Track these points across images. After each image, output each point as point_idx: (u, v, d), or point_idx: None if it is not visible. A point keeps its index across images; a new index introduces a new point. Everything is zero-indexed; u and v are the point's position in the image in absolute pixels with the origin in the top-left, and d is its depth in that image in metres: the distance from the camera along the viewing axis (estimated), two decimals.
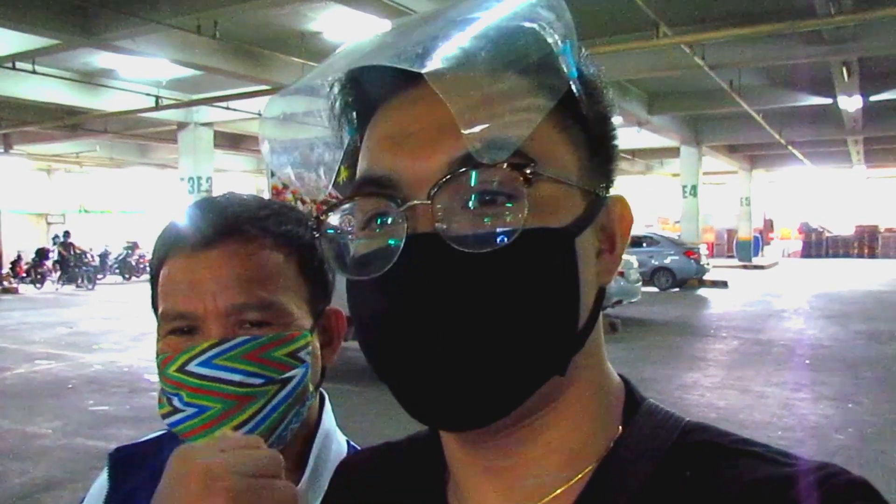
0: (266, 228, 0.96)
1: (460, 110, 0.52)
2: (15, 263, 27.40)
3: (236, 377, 0.90)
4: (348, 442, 1.08)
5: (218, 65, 13.39)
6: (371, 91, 0.62)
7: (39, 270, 26.63)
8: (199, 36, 11.30)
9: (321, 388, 1.07)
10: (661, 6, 10.16)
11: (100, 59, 14.73)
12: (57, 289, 26.03)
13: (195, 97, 17.21)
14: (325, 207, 0.62)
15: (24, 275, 26.87)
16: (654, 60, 13.45)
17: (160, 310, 0.95)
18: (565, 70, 0.56)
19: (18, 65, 13.57)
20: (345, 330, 1.07)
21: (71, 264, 26.83)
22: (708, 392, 8.53)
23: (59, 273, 26.97)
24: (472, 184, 0.55)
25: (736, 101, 16.67)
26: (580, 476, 0.60)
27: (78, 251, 27.47)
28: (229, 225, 0.94)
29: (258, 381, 0.91)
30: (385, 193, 0.57)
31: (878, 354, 10.80)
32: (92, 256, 28.70)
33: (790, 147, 25.05)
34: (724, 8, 11.63)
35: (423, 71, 0.52)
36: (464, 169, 0.55)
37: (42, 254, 27.24)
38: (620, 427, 0.63)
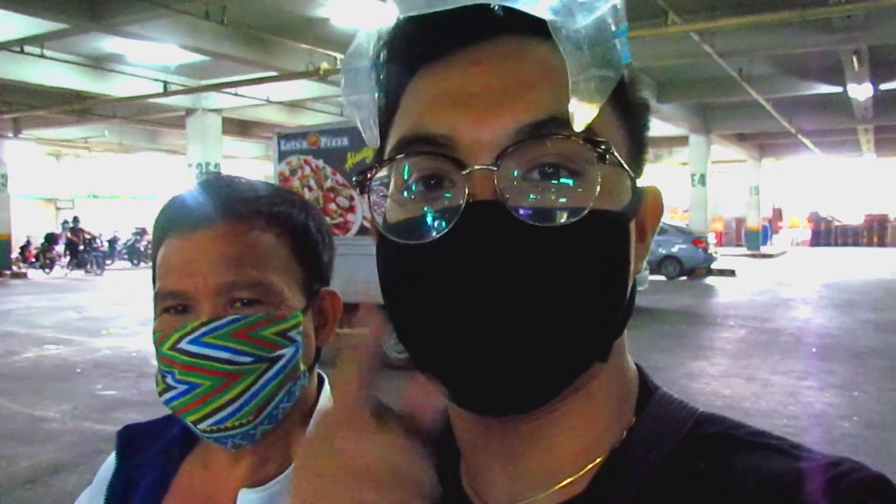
0: (258, 210, 0.98)
1: (573, 61, 0.50)
2: (24, 248, 27.56)
3: (225, 354, 0.92)
4: None
5: (226, 51, 13.36)
6: (412, 47, 0.58)
7: (49, 255, 26.79)
8: (208, 21, 11.31)
9: (321, 371, 1.09)
10: None
11: (108, 44, 14.72)
12: (66, 274, 26.19)
13: (203, 83, 17.19)
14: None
15: (34, 260, 27.04)
16: (663, 48, 13.36)
17: (156, 289, 0.97)
18: (621, 54, 0.54)
19: (27, 49, 13.58)
20: (340, 312, 1.07)
21: (80, 249, 26.96)
22: (714, 380, 8.54)
23: (68, 258, 27.11)
24: (543, 152, 0.53)
25: (745, 90, 16.57)
26: (592, 465, 0.59)
27: (87, 236, 27.59)
28: (221, 206, 0.96)
29: (247, 359, 0.93)
30: (442, 153, 0.54)
31: (886, 343, 10.78)
32: (101, 242, 28.82)
33: (800, 136, 24.90)
34: None
35: (548, 18, 0.50)
36: (535, 136, 0.52)
37: (51, 239, 27.39)
38: (634, 416, 0.62)
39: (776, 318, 13.65)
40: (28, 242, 27.79)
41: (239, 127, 23.87)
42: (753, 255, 31.28)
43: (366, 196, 0.59)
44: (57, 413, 7.36)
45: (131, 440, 1.10)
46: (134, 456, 1.08)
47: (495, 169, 0.52)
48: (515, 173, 0.53)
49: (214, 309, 0.93)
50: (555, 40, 0.52)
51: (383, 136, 0.61)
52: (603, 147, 0.53)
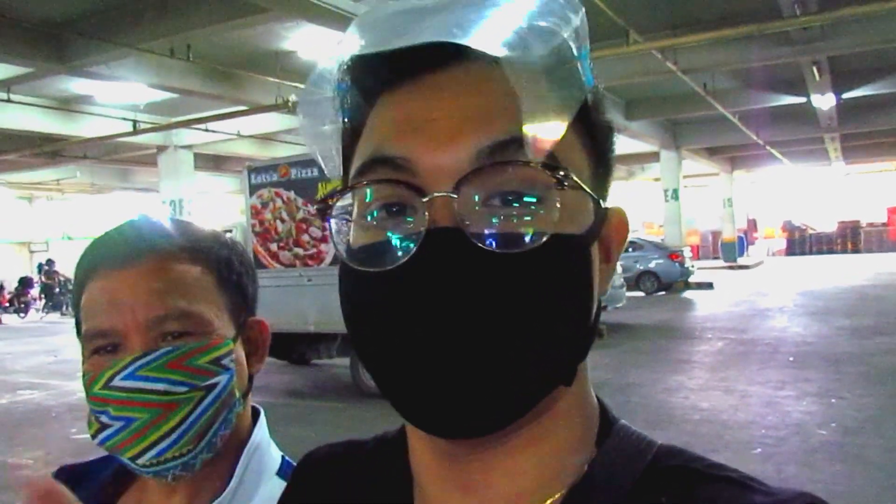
0: (180, 245, 0.99)
1: (525, 96, 0.50)
2: None
3: (160, 386, 0.92)
4: (283, 457, 1.09)
5: (194, 87, 13.38)
6: (374, 75, 0.58)
7: (23, 299, 26.44)
8: (174, 59, 11.31)
9: (255, 404, 1.10)
10: (630, 13, 10.27)
11: (75, 85, 14.69)
12: (41, 317, 25.85)
13: (173, 120, 17.17)
14: (323, 196, 0.58)
15: (8, 304, 26.65)
16: (627, 67, 13.55)
17: (83, 331, 0.97)
18: (582, 76, 0.55)
19: None
20: (269, 339, 1.09)
21: (55, 292, 26.65)
22: (692, 394, 8.56)
23: (43, 301, 26.78)
24: (502, 180, 0.53)
25: (711, 104, 16.81)
26: (554, 498, 0.58)
27: (62, 278, 27.29)
28: (145, 244, 0.97)
29: (182, 388, 0.93)
30: (402, 180, 0.54)
31: (861, 349, 10.87)
32: None
33: (768, 147, 25.24)
34: (693, 13, 11.77)
35: (500, 54, 0.50)
36: (494, 163, 0.52)
37: (26, 283, 27.04)
38: (595, 448, 0.61)
39: (753, 329, 13.74)
40: (1, 287, 27.41)
41: (211, 162, 23.83)
42: (730, 267, 31.53)
43: (328, 223, 0.59)
44: (30, 459, 7.23)
45: (67, 480, 1.09)
46: None
47: (455, 196, 0.52)
48: (476, 199, 0.53)
49: (146, 343, 0.93)
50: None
51: (346, 162, 0.61)
52: (562, 172, 0.53)
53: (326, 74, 0.59)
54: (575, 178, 0.54)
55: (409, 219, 0.55)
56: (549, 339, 0.54)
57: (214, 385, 0.96)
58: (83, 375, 0.96)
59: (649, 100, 19.42)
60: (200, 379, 0.94)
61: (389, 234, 0.55)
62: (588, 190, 0.57)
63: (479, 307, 0.51)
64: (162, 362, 0.92)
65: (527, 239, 0.52)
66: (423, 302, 0.52)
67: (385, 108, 0.58)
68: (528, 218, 0.53)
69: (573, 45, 0.53)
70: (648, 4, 11.13)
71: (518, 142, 0.52)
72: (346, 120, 0.61)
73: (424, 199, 0.52)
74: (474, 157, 0.52)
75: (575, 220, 0.56)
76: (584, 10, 0.56)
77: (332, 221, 0.59)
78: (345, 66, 0.59)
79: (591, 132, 0.60)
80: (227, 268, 1.03)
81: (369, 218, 0.57)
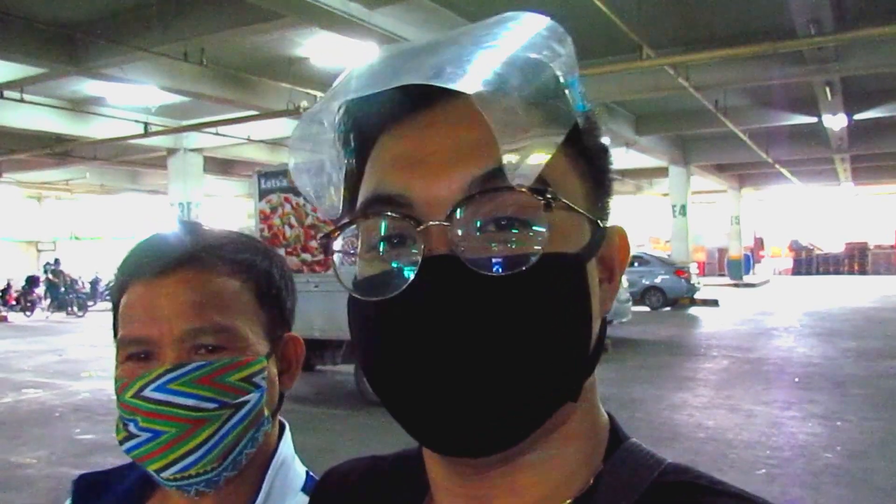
0: (222, 257, 0.98)
1: (502, 130, 0.52)
2: (4, 291, 27.26)
3: (190, 401, 0.91)
4: (308, 472, 1.08)
5: (206, 91, 13.44)
6: (373, 115, 0.62)
7: (29, 298, 26.50)
8: (187, 63, 11.36)
9: (281, 418, 1.09)
10: (644, 29, 10.27)
11: (88, 86, 14.77)
12: (47, 316, 25.89)
13: (184, 123, 17.25)
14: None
15: (14, 303, 26.73)
16: (639, 82, 13.56)
17: (119, 336, 0.96)
18: (572, 103, 0.57)
19: (7, 94, 13.62)
20: (303, 357, 1.08)
21: (60, 291, 26.72)
22: (697, 412, 8.52)
23: (48, 301, 26.85)
24: (492, 206, 0.55)
25: (722, 122, 16.80)
26: None
27: (68, 278, 27.36)
28: (186, 253, 0.96)
29: (212, 405, 0.92)
30: (399, 213, 0.57)
31: (867, 372, 10.81)
32: (82, 283, 28.58)
33: (778, 166, 25.23)
34: (707, 30, 11.78)
35: (472, 91, 0.52)
36: (483, 191, 0.55)
37: (32, 281, 27.12)
38: (603, 463, 0.63)
39: (759, 348, 13.68)
40: (8, 285, 27.50)
41: (220, 165, 23.92)
42: (736, 285, 31.46)
43: (330, 257, 0.62)
44: (34, 459, 7.23)
45: (88, 489, 1.09)
46: None
47: (447, 224, 0.55)
48: (469, 226, 0.55)
49: (179, 355, 0.92)
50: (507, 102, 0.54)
51: (354, 201, 0.63)
52: (549, 195, 0.55)
53: (319, 116, 0.62)
54: (564, 200, 0.56)
55: (413, 249, 0.57)
56: (548, 356, 0.55)
57: (245, 403, 0.95)
58: (115, 381, 0.96)
59: (660, 115, 19.45)
60: (231, 396, 0.94)
61: (394, 264, 0.58)
62: (581, 210, 0.59)
63: (475, 329, 0.53)
64: (192, 377, 0.92)
65: (518, 260, 0.54)
66: (420, 326, 0.54)
67: (383, 147, 0.61)
68: (519, 240, 0.55)
69: (560, 74, 0.56)
70: (662, 20, 11.14)
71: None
72: (349, 160, 0.64)
73: (419, 229, 0.55)
74: (466, 186, 0.55)
75: (568, 239, 0.57)
76: (570, 39, 0.59)
77: (336, 256, 0.62)
78: (343, 109, 0.62)
79: (584, 155, 0.62)
80: (267, 282, 1.02)
81: (373, 251, 0.60)
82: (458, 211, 0.54)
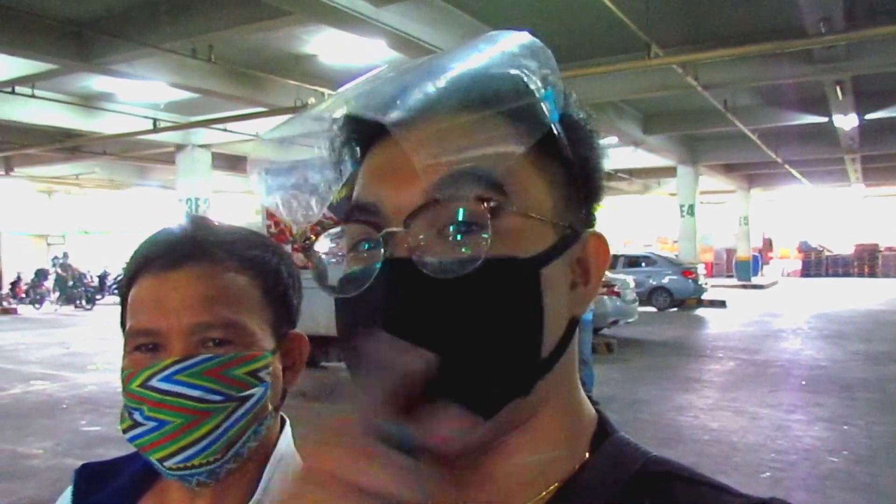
0: (232, 252, 1.00)
1: (414, 151, 0.57)
2: (14, 284, 27.44)
3: (196, 392, 0.93)
4: None
5: (214, 88, 13.46)
6: (370, 127, 0.66)
7: (38, 291, 26.67)
8: (196, 59, 11.39)
9: (282, 413, 1.10)
10: (653, 27, 10.22)
11: (98, 82, 14.81)
12: (56, 309, 26.05)
13: (193, 119, 17.29)
14: (318, 228, 0.67)
15: (24, 295, 26.90)
16: (647, 81, 13.50)
17: (127, 327, 0.98)
18: (545, 114, 0.61)
19: (18, 89, 13.67)
20: (307, 354, 1.10)
21: (69, 285, 26.85)
22: (702, 413, 8.50)
23: (57, 294, 26.99)
24: (448, 213, 0.59)
25: (731, 121, 16.71)
26: (539, 497, 0.63)
27: (76, 272, 27.48)
28: (196, 248, 0.99)
29: (217, 397, 0.94)
30: (369, 221, 0.62)
31: (875, 375, 10.77)
32: (91, 277, 28.71)
33: (787, 166, 25.10)
34: (716, 28, 11.71)
35: (384, 120, 0.57)
36: (436, 199, 0.59)
37: (41, 274, 27.28)
38: (587, 454, 0.66)
39: (765, 350, 13.64)
40: (18, 278, 27.67)
41: (228, 162, 23.94)
42: (744, 286, 31.35)
43: (311, 258, 0.67)
44: (40, 450, 7.29)
45: (89, 478, 1.11)
46: (90, 495, 1.08)
47: (405, 230, 0.59)
48: (428, 232, 0.59)
49: (186, 348, 0.94)
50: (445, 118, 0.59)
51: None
52: (494, 203, 0.58)
53: (305, 133, 0.68)
54: (512, 208, 0.60)
55: (383, 252, 0.61)
56: (491, 354, 0.59)
57: (249, 397, 0.97)
58: (122, 371, 0.98)
59: (668, 114, 19.36)
60: (236, 390, 0.95)
61: (361, 265, 0.64)
62: (539, 217, 0.62)
63: (422, 327, 0.58)
64: (200, 369, 0.94)
65: (464, 264, 0.58)
66: (371, 323, 0.59)
67: (366, 163, 0.67)
68: (469, 245, 0.59)
69: (533, 87, 0.60)
70: (671, 19, 11.08)
71: (465, 176, 0.58)
72: (341, 173, 0.69)
73: (380, 235, 0.60)
74: (422, 196, 0.60)
75: (520, 244, 0.60)
76: (549, 53, 0.64)
77: (319, 257, 0.68)
78: (336, 127, 0.67)
79: (559, 163, 0.64)
80: (275, 279, 1.05)
81: (352, 252, 0.66)
82: (413, 217, 0.59)
